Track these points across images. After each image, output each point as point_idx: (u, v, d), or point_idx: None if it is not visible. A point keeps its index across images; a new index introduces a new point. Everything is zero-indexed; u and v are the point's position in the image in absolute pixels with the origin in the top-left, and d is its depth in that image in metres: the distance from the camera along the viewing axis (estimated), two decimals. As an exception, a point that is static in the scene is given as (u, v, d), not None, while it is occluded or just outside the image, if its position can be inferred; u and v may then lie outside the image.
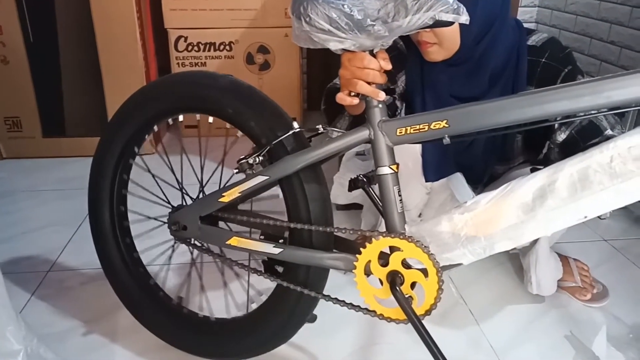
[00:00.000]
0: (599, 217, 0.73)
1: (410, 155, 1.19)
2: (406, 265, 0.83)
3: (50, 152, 2.14)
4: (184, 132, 2.37)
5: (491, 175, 1.28)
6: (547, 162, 1.12)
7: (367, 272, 0.86)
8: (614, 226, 1.63)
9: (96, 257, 1.10)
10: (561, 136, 1.08)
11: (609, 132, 1.01)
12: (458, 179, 1.23)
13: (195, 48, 2.28)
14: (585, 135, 1.04)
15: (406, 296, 0.81)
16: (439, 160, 1.19)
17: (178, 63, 2.29)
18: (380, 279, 0.85)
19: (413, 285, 0.84)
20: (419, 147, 1.21)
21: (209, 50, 2.29)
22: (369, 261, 0.84)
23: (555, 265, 1.29)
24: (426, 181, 1.24)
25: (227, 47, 2.28)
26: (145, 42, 2.13)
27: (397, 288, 0.81)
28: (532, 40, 1.09)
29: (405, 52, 1.22)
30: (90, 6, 1.96)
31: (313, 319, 1.21)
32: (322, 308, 0.97)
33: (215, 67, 2.30)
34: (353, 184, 1.00)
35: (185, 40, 2.26)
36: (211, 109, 0.91)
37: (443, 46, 1.03)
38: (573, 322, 1.22)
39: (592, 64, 2.14)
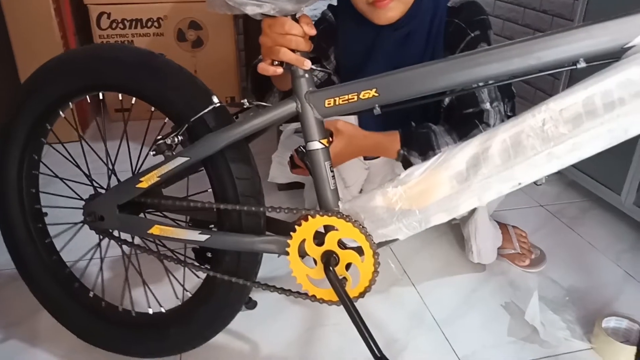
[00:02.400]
0: (535, 183, 0.71)
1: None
2: (342, 245, 0.79)
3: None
4: (113, 117, 2.23)
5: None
6: None
7: (302, 254, 0.81)
8: (549, 191, 1.68)
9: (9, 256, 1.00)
10: (445, 101, 1.08)
11: (485, 105, 1.01)
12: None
13: (120, 25, 2.12)
14: (463, 103, 1.04)
15: (340, 277, 0.77)
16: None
17: (102, 42, 2.12)
18: (314, 259, 0.80)
19: (348, 266, 0.80)
20: (354, 122, 1.17)
21: (135, 27, 2.13)
22: (303, 241, 0.79)
23: (495, 233, 1.30)
24: (365, 159, 1.21)
25: (156, 24, 2.14)
26: (63, 19, 1.95)
27: (331, 269, 0.76)
28: (452, 1, 1.07)
29: (335, 24, 1.16)
30: (-5, -20, 1.77)
31: (253, 305, 1.15)
32: (262, 292, 0.92)
33: (144, 46, 2.15)
34: (295, 159, 0.94)
35: (108, 17, 2.10)
36: (121, 86, 0.82)
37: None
38: (512, 289, 1.23)
39: (526, 33, 2.17)
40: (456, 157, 0.73)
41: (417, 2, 1.02)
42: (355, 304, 0.78)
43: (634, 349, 1.01)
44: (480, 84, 0.81)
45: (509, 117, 1.04)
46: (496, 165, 0.71)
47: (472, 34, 1.03)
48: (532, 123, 0.69)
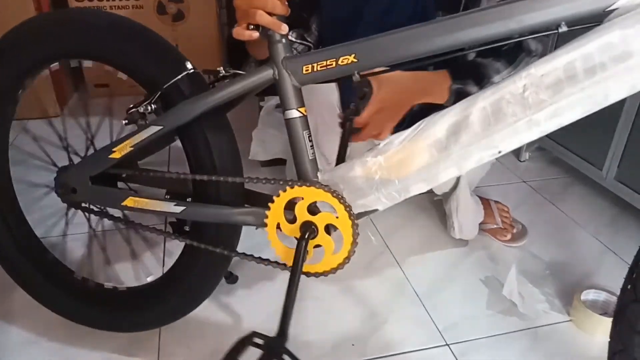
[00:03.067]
0: (518, 159, 0.70)
1: (326, 106, 1.12)
2: (314, 212, 0.77)
3: None
4: (93, 92, 2.17)
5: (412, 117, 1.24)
6: None
7: (280, 227, 0.79)
8: (532, 167, 1.68)
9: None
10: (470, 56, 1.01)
11: (532, 58, 0.96)
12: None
13: (98, -3, 2.05)
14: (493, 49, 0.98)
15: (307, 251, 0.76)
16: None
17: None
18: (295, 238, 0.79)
19: (328, 230, 0.78)
20: (335, 96, 1.14)
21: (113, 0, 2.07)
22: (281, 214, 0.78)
23: (477, 209, 1.30)
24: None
25: (135, -4, 2.08)
26: (37, -11, 1.88)
27: (306, 239, 0.75)
28: None
29: None
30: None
31: (234, 280, 1.15)
32: (243, 265, 0.91)
33: (123, 19, 2.10)
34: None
35: (84, -13, 2.03)
36: (91, 54, 0.79)
37: None
38: (493, 263, 1.24)
39: None
40: (436, 125, 0.72)
41: None
42: (334, 274, 0.77)
43: (611, 320, 1.02)
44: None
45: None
46: (476, 133, 0.70)
47: None
48: (512, 89, 0.68)
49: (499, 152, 0.71)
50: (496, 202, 1.35)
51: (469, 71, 0.95)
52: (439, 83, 0.94)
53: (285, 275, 0.76)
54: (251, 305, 1.09)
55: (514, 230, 1.31)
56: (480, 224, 1.31)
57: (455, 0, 0.99)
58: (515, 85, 0.68)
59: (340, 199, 0.75)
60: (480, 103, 0.69)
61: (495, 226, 1.31)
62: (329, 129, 1.09)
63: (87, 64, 0.73)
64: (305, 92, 0.76)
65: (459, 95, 0.93)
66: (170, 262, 0.91)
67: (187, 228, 0.91)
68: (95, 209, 0.88)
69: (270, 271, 0.84)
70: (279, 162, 1.56)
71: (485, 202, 1.34)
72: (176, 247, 0.90)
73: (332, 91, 1.14)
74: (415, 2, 1.03)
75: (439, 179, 0.74)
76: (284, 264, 0.80)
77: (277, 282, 1.15)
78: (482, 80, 0.94)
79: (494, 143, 0.70)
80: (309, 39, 1.14)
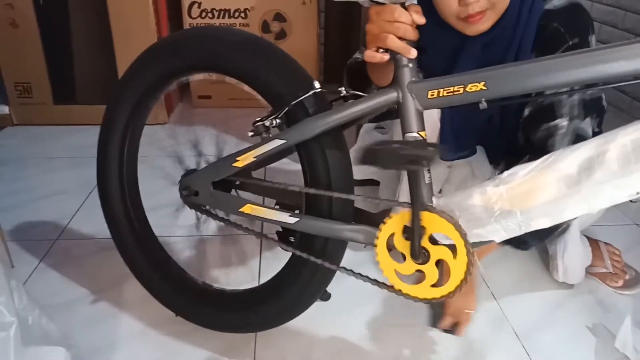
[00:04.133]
0: (630, 200, 0.66)
1: (430, 126, 1.10)
2: (433, 240, 0.77)
3: (61, 119, 2.08)
4: (196, 103, 2.31)
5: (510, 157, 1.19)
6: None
7: (390, 247, 0.79)
8: (646, 210, 1.55)
9: (106, 226, 1.05)
10: (525, 112, 1.00)
11: (561, 121, 0.93)
12: (479, 155, 1.15)
13: (210, 15, 2.19)
14: (542, 116, 0.96)
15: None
16: (458, 136, 1.09)
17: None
18: (403, 254, 0.78)
19: (438, 263, 0.78)
20: (437, 118, 1.13)
21: (223, 17, 2.20)
22: (392, 234, 0.78)
23: (585, 252, 1.21)
24: (443, 159, 1.16)
25: (242, 14, 2.20)
26: (158, 6, 2.05)
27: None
28: (552, 4, 0.95)
29: None
30: (101, -32, 1.89)
31: (327, 296, 1.15)
32: (335, 285, 0.92)
33: (230, 36, 2.23)
34: None
35: (199, 7, 2.18)
36: (224, 67, 0.84)
37: (496, 9, 0.89)
38: (602, 310, 1.15)
39: (627, 38, 2.02)
40: (567, 159, 0.69)
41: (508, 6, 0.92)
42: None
43: None
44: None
45: (596, 134, 0.97)
46: (613, 171, 0.66)
47: (571, 42, 0.93)
48: (659, 127, 0.64)
49: (637, 192, 0.66)
50: (606, 244, 1.26)
51: None
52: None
53: (376, 299, 0.75)
54: (342, 325, 1.08)
55: (627, 277, 1.21)
56: (587, 266, 1.22)
57: (553, 47, 0.95)
58: (662, 123, 0.64)
59: (457, 226, 0.74)
60: (620, 139, 0.66)
61: (604, 270, 1.22)
62: None
63: (199, 76, 0.79)
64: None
65: None
66: (265, 271, 0.92)
67: (292, 239, 0.93)
68: (213, 212, 0.93)
69: (361, 294, 0.84)
70: (372, 183, 1.56)
71: (594, 243, 1.25)
72: (271, 257, 0.92)
73: (434, 111, 1.12)
74: (509, 44, 0.98)
75: (565, 215, 0.71)
76: (392, 286, 0.80)
77: (368, 305, 1.13)
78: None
79: (633, 183, 0.66)
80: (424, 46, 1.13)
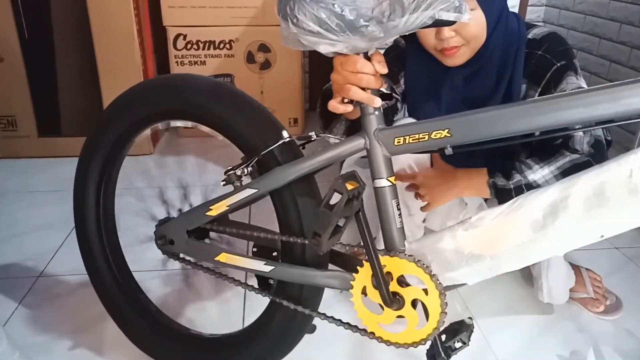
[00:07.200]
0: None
1: (415, 158, 1.12)
2: (403, 283, 0.77)
3: (46, 151, 2.09)
4: (182, 132, 2.32)
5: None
6: None
7: (365, 292, 0.80)
8: (626, 234, 1.54)
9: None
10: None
11: (572, 155, 0.95)
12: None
13: (195, 46, 2.21)
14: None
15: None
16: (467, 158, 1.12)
17: (177, 62, 2.23)
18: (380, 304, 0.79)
19: (414, 303, 0.78)
20: (427, 161, 1.14)
21: (208, 49, 2.23)
22: (365, 287, 0.78)
23: (568, 273, 1.22)
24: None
25: (227, 46, 2.22)
26: (143, 39, 2.07)
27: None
28: (533, 33, 1.04)
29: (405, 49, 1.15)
30: (86, 2, 1.91)
31: (312, 329, 1.15)
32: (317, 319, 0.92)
33: (216, 66, 2.25)
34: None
35: (184, 38, 2.20)
36: (195, 116, 0.85)
37: (470, 46, 0.98)
38: (583, 336, 1.15)
39: (602, 64, 2.06)
40: (532, 203, 0.70)
41: (485, 43, 0.99)
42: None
43: None
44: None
45: (608, 142, 0.99)
46: (576, 216, 0.67)
47: (558, 64, 0.99)
48: (617, 173, 0.65)
49: (601, 236, 0.67)
50: (587, 269, 1.27)
51: (503, 167, 0.98)
52: (480, 176, 1.00)
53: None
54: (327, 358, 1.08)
55: (608, 302, 1.22)
56: (569, 291, 1.23)
57: (543, 71, 1.00)
58: (620, 169, 0.65)
59: (429, 271, 0.74)
60: (581, 184, 0.67)
61: (586, 295, 1.23)
62: (410, 178, 1.09)
63: (178, 123, 0.80)
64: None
65: (495, 189, 0.97)
66: (249, 312, 0.92)
67: (271, 281, 0.93)
68: (192, 260, 0.93)
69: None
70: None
71: (576, 269, 1.26)
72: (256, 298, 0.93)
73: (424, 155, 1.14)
74: (499, 75, 1.03)
75: (534, 258, 0.72)
76: (364, 330, 0.80)
77: (350, 338, 1.14)
78: (510, 173, 0.96)
79: (597, 227, 0.67)
80: (397, 91, 1.16)
